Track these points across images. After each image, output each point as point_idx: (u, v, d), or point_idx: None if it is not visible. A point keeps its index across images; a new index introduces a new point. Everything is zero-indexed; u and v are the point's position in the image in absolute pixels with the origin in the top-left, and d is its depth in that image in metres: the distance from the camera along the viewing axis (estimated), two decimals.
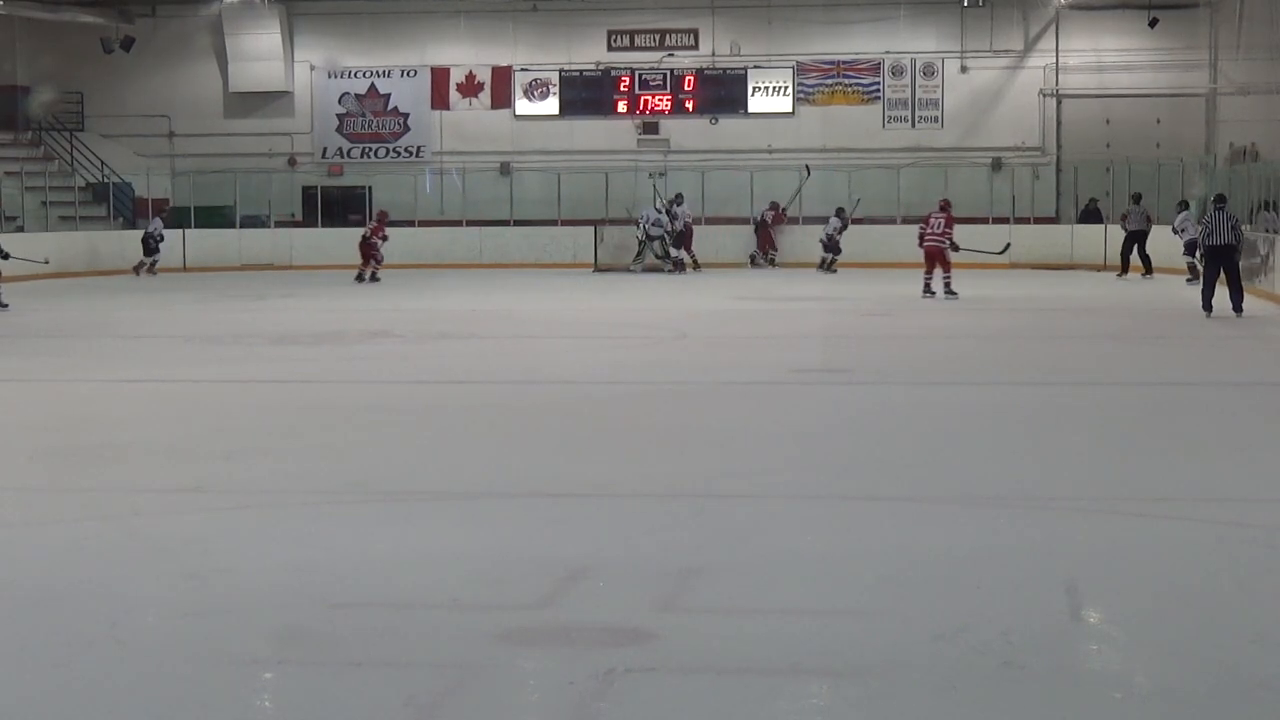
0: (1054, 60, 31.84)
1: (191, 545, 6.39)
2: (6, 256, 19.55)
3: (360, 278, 25.28)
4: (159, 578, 5.83)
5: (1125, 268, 25.55)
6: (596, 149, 32.18)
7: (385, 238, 25.79)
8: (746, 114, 32.32)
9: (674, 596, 5.54)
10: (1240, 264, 17.72)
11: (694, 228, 28.59)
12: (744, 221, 30.28)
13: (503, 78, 32.70)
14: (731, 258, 29.46)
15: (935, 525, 6.73)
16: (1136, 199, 26.31)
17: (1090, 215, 29.58)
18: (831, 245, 27.44)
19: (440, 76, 32.82)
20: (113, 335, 17.11)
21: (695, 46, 32.49)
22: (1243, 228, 18.58)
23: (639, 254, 27.94)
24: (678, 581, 5.72)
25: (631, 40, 32.59)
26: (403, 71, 32.92)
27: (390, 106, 33.05)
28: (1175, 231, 23.41)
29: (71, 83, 32.52)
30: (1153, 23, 30.46)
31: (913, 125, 32.15)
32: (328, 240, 30.78)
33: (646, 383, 12.11)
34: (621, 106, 32.55)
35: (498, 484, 7.79)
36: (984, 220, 29.20)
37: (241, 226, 31.25)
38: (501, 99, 32.73)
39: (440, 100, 32.84)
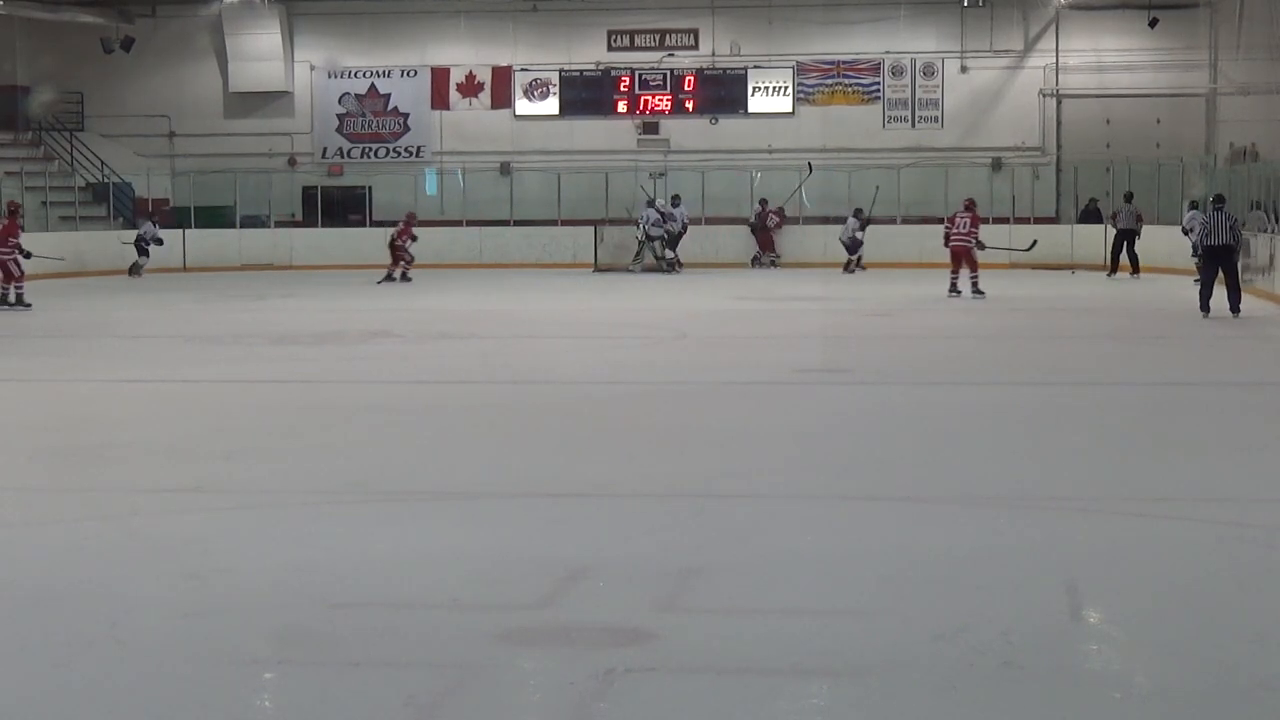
0: (1054, 60, 31.84)
1: (191, 545, 6.39)
2: (29, 255, 20.01)
3: (390, 277, 25.30)
4: (159, 578, 5.83)
5: (1114, 267, 25.55)
6: (596, 149, 32.18)
7: (414, 238, 25.90)
8: (746, 114, 32.31)
9: (674, 596, 5.54)
10: (1239, 265, 17.73)
11: (689, 228, 28.61)
12: (744, 222, 30.25)
13: (503, 78, 32.70)
14: (731, 258, 29.47)
15: (935, 525, 6.73)
16: (1128, 198, 26.32)
17: (1090, 215, 29.57)
18: (854, 246, 27.46)
19: (440, 76, 32.81)
20: (113, 335, 17.12)
21: (695, 46, 32.49)
22: (1241, 229, 18.58)
23: (638, 254, 27.94)
24: (678, 581, 5.72)
25: (631, 40, 32.59)
26: (403, 71, 32.92)
27: (390, 106, 33.05)
28: (1185, 231, 23.38)
29: (71, 83, 32.50)
30: (1153, 23, 30.46)
31: (913, 125, 32.15)
32: (328, 240, 30.81)
33: (646, 383, 12.12)
34: (621, 106, 32.55)
35: (498, 484, 7.79)
36: (984, 221, 29.11)
37: (242, 226, 31.25)
38: (501, 99, 32.72)
39: (440, 100, 32.84)
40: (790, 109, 32.33)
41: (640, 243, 27.86)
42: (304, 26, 33.04)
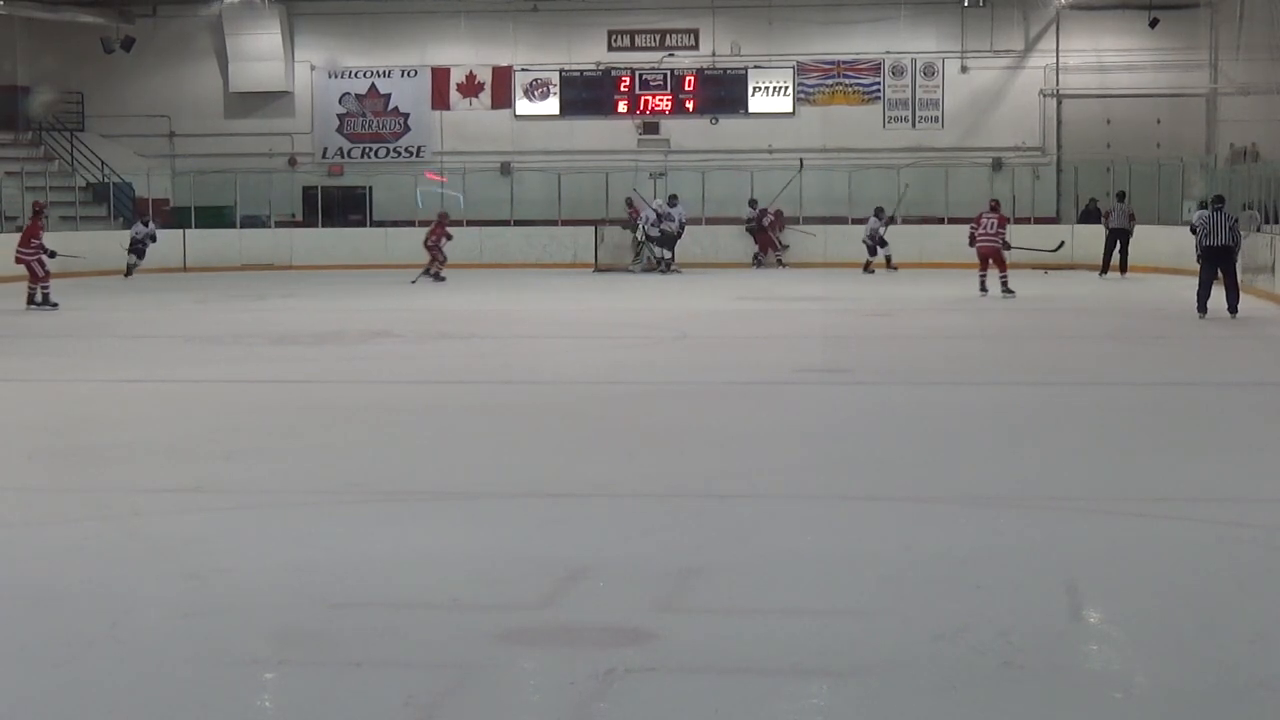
0: (1054, 60, 31.84)
1: (191, 545, 6.39)
2: (53, 255, 20.35)
3: (428, 273, 25.43)
4: (159, 578, 5.83)
5: (1106, 266, 25.52)
6: (597, 149, 32.18)
7: (449, 236, 26.16)
8: (747, 114, 32.31)
9: (674, 596, 5.54)
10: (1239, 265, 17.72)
11: (686, 228, 28.58)
12: (745, 222, 30.23)
13: (503, 78, 32.70)
14: (732, 258, 29.46)
15: (935, 525, 6.73)
16: (1120, 197, 26.30)
17: (1090, 215, 29.53)
18: (879, 243, 27.40)
19: (440, 76, 32.82)
20: (113, 335, 17.12)
21: (695, 46, 32.49)
22: (1240, 229, 18.56)
23: (637, 254, 27.94)
24: (678, 581, 5.72)
25: (632, 40, 32.59)
26: (403, 71, 32.92)
27: (390, 106, 33.06)
28: (1192, 231, 23.34)
29: (71, 83, 32.52)
30: (1153, 23, 30.47)
31: (913, 125, 32.15)
32: (328, 240, 30.80)
33: (646, 383, 12.11)
34: (622, 106, 32.55)
35: (498, 484, 7.79)
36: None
37: (242, 226, 31.23)
38: (502, 99, 32.72)
39: (440, 100, 32.84)
40: (790, 109, 32.33)
41: (640, 243, 27.85)
42: (304, 26, 33.05)
